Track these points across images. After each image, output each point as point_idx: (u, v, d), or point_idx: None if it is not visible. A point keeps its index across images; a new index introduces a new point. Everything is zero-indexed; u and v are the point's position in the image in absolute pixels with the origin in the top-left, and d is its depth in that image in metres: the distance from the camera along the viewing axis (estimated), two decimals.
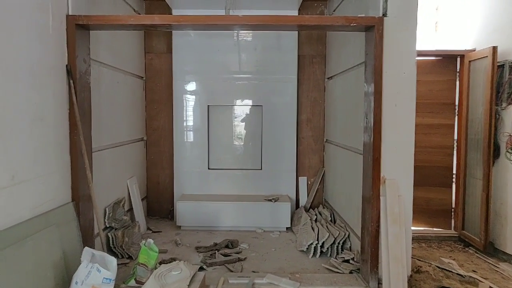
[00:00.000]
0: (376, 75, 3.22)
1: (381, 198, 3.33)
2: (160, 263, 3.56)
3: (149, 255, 3.14)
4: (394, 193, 3.31)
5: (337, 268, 3.73)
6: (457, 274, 3.76)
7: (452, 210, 5.06)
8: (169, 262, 3.50)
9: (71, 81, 3.07)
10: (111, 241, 3.76)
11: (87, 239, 3.20)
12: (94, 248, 3.31)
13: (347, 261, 3.85)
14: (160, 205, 5.48)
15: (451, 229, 5.07)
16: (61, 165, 3.00)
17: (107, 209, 3.85)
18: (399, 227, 3.26)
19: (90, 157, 3.33)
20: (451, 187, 5.06)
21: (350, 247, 4.12)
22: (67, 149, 3.09)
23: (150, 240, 3.25)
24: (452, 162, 5.02)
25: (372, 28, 3.20)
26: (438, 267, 3.88)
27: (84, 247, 2.97)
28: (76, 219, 3.07)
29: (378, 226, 3.32)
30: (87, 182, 3.19)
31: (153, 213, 5.48)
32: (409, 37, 3.24)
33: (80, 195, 3.15)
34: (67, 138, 3.09)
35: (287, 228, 5.00)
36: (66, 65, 3.07)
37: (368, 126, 3.37)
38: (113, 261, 2.70)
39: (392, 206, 3.29)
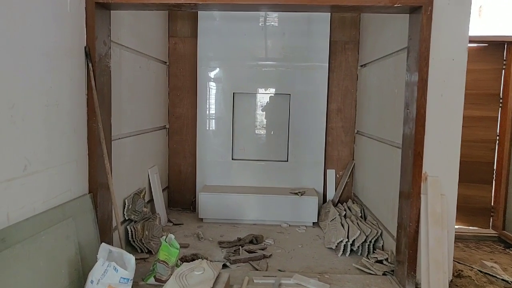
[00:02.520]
0: (421, 62, 2.90)
1: (422, 196, 3.04)
2: (181, 259, 3.38)
3: (169, 252, 2.95)
4: (436, 191, 3.02)
5: (369, 269, 3.48)
6: (502, 279, 3.45)
7: (492, 208, 4.72)
8: (191, 260, 3.32)
9: (90, 64, 2.87)
10: (130, 234, 3.58)
11: (105, 233, 3.03)
12: (112, 242, 3.16)
13: (380, 261, 3.58)
14: (181, 196, 5.30)
15: (489, 228, 4.73)
16: (78, 154, 2.81)
17: (126, 200, 3.66)
18: (441, 229, 2.97)
19: (109, 145, 3.14)
20: (491, 184, 4.71)
21: (382, 246, 3.86)
22: (84, 137, 2.89)
23: (171, 236, 3.05)
24: (494, 157, 4.66)
25: (419, 9, 2.87)
26: (481, 272, 3.58)
27: (101, 241, 2.81)
28: (94, 212, 2.89)
29: (417, 226, 3.05)
30: (106, 173, 3.00)
31: (175, 204, 5.30)
32: (462, 19, 2.91)
33: (98, 186, 2.97)
34: (84, 125, 2.90)
35: (313, 223, 4.75)
36: (85, 47, 2.86)
37: (410, 118, 3.07)
38: (131, 259, 2.50)
39: (434, 206, 3.00)
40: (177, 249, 2.99)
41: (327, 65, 4.98)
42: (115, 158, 3.35)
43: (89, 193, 2.92)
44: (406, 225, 3.11)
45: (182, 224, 4.66)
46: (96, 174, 2.95)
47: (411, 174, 3.03)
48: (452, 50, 2.94)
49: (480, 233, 4.65)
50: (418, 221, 3.04)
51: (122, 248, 3.05)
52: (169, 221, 4.71)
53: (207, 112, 5.09)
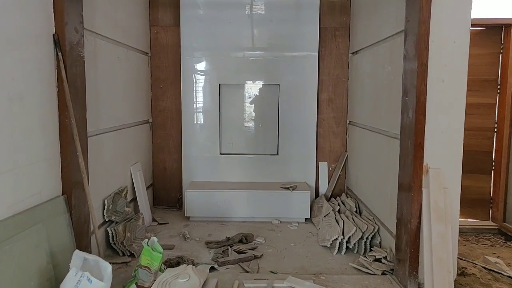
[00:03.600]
0: (420, 45, 2.69)
1: (423, 190, 2.84)
2: (165, 262, 3.14)
3: (152, 257, 2.70)
4: (439, 185, 2.82)
5: (367, 268, 3.28)
6: (508, 276, 3.27)
7: (491, 199, 4.55)
8: (176, 264, 3.09)
9: (60, 54, 2.59)
10: (110, 237, 3.33)
11: (82, 237, 2.77)
12: (90, 246, 2.91)
13: (379, 260, 3.38)
14: (167, 193, 5.05)
15: (488, 220, 4.56)
16: (49, 153, 2.54)
17: (106, 200, 3.40)
18: (444, 225, 2.78)
19: (84, 142, 2.86)
20: (490, 174, 4.53)
21: (380, 243, 3.66)
22: (56, 133, 2.61)
23: (154, 239, 2.80)
24: (492, 146, 4.49)
25: None
26: (485, 268, 3.40)
27: (77, 246, 2.57)
28: (68, 215, 2.63)
29: (419, 222, 2.85)
30: (81, 172, 2.73)
31: (160, 202, 5.05)
32: None
33: (73, 187, 2.69)
34: (55, 121, 2.61)
35: (306, 219, 4.55)
36: (53, 34, 2.58)
37: (409, 106, 2.86)
38: (107, 267, 2.25)
39: (436, 200, 2.80)
40: (160, 253, 2.74)
41: (317, 53, 4.77)
42: (92, 155, 3.09)
43: (62, 194, 2.66)
44: (406, 221, 2.92)
45: (168, 223, 4.42)
46: (70, 174, 2.68)
47: (412, 167, 2.83)
48: (454, 32, 2.75)
49: (480, 225, 4.48)
50: (419, 217, 2.84)
51: (100, 253, 2.80)
52: (154, 220, 4.46)
53: (193, 105, 4.84)
